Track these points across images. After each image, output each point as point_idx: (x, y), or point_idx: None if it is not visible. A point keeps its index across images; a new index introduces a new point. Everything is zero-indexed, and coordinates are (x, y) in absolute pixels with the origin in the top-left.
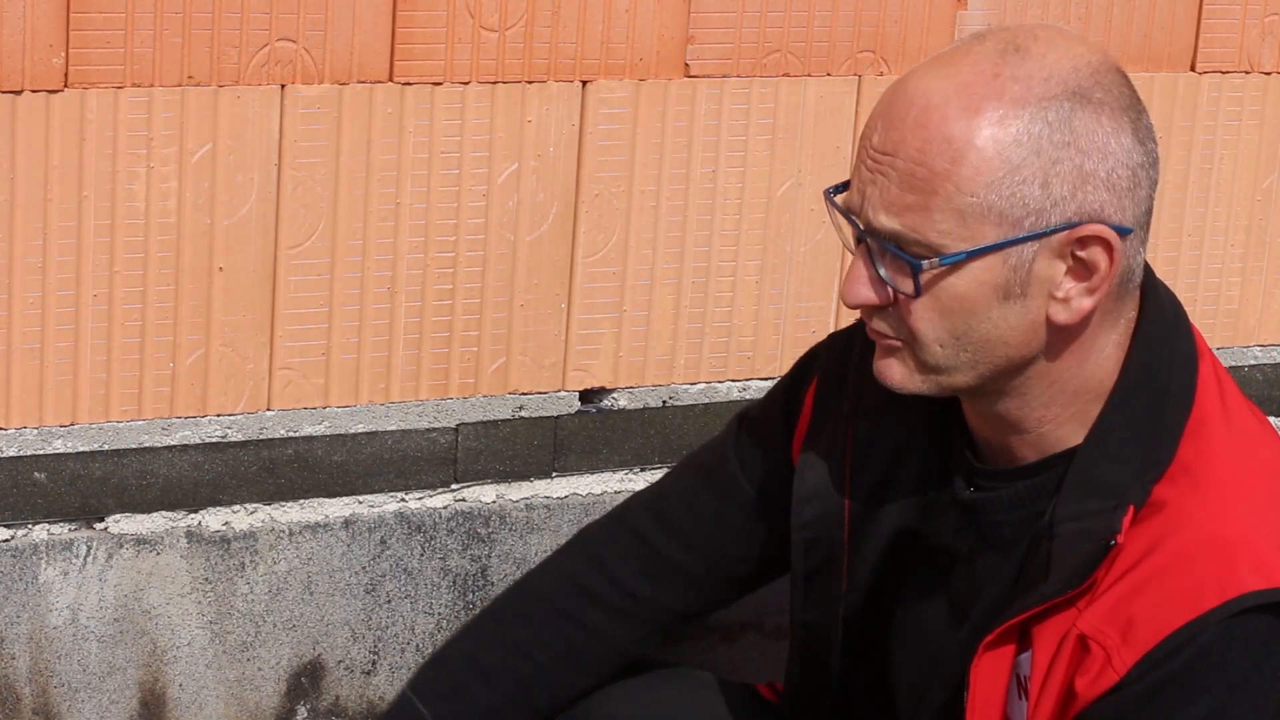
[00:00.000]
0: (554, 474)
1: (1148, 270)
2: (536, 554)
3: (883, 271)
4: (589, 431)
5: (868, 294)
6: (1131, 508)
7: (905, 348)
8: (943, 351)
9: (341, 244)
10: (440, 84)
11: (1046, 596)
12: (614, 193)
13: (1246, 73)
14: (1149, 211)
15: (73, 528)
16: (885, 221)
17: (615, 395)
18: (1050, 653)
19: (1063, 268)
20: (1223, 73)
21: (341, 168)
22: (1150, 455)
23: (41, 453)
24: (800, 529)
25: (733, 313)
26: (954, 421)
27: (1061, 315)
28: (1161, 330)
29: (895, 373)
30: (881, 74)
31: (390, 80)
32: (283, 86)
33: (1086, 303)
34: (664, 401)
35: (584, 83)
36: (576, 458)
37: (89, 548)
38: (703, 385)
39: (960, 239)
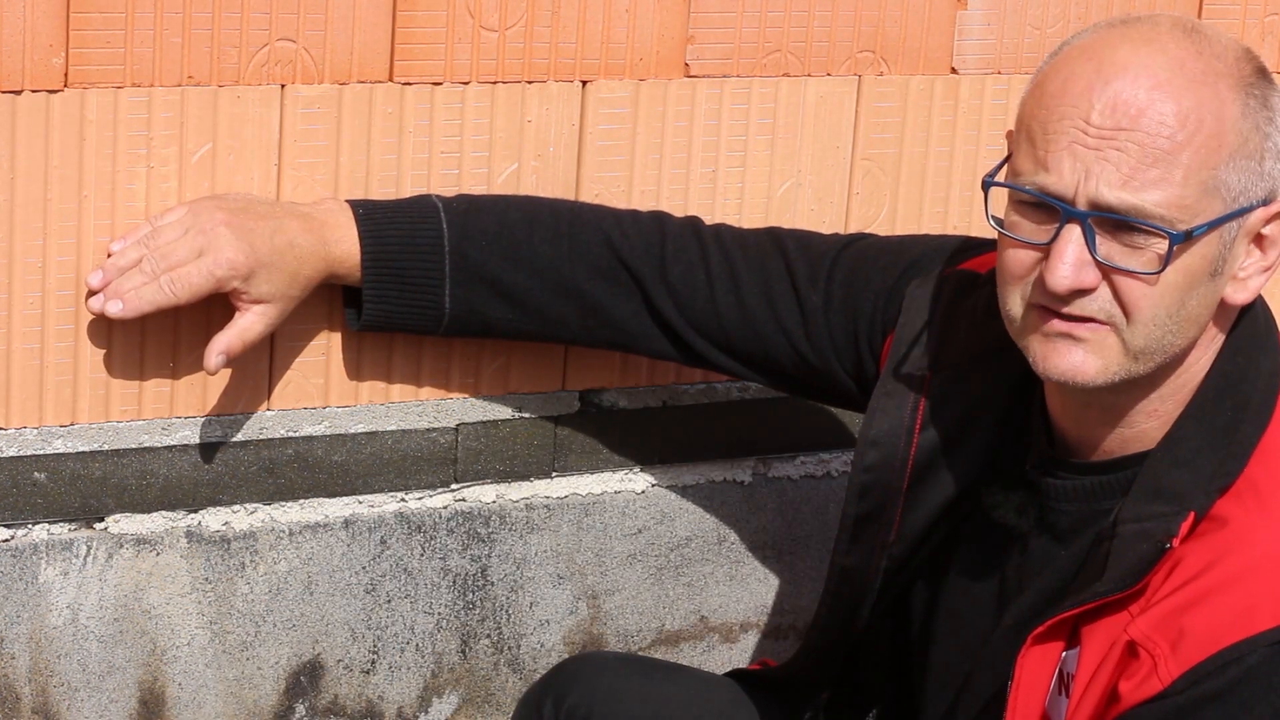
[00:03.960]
0: (554, 474)
1: None
2: (536, 554)
3: (1102, 251)
4: (589, 431)
5: (1086, 276)
6: (1192, 514)
7: (1109, 333)
8: (1155, 331)
9: None
10: (440, 84)
11: (1099, 594)
12: (614, 193)
13: None
14: None
15: (73, 528)
16: (1124, 196)
17: (615, 395)
18: (1099, 656)
19: (1245, 244)
20: None
21: (341, 168)
22: (1219, 466)
23: (41, 453)
24: (861, 472)
25: None
26: (1036, 399)
27: (1239, 295)
28: (1250, 343)
29: (1091, 365)
30: (881, 74)
31: (390, 80)
32: (283, 86)
33: (1259, 281)
34: (664, 402)
35: (584, 83)
36: (576, 458)
37: (89, 548)
38: (702, 385)
39: (1196, 213)
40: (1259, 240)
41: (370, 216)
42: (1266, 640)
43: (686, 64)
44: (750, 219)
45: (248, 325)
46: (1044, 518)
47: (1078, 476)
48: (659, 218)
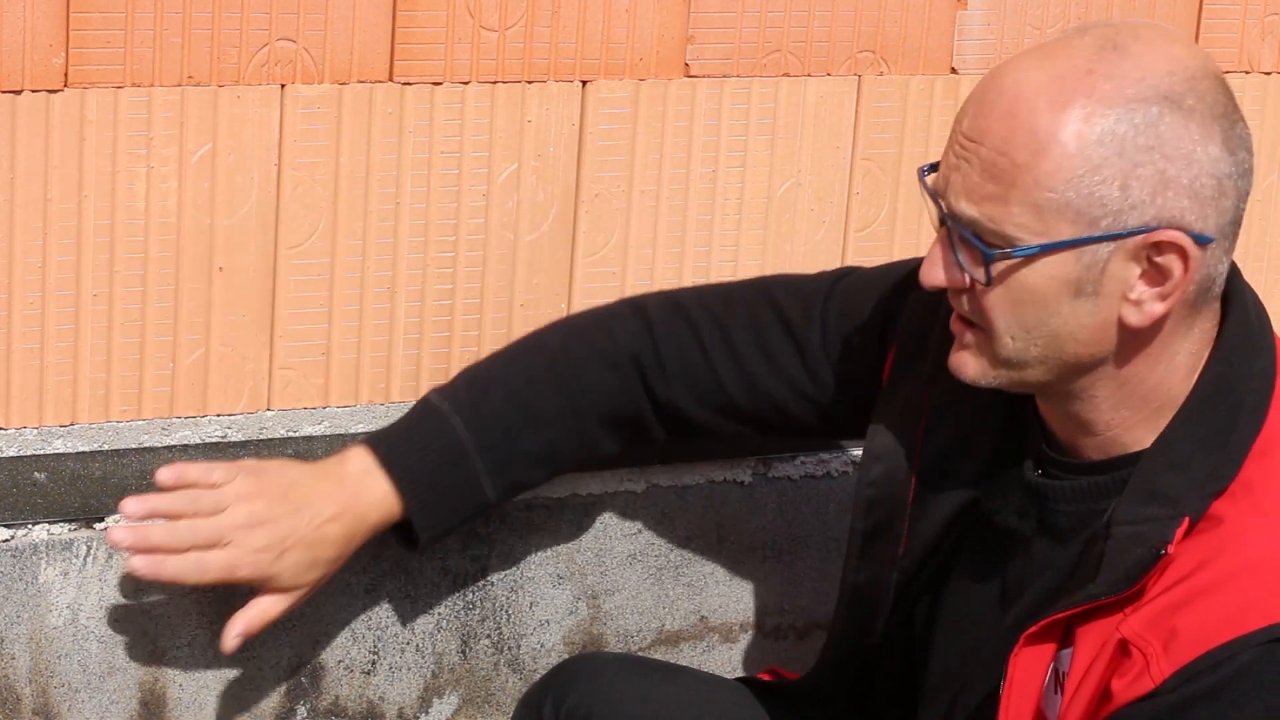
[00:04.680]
0: None
1: (1237, 279)
2: (536, 554)
3: (960, 257)
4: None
5: (941, 276)
6: (1187, 519)
7: (981, 340)
8: (1014, 344)
9: (341, 244)
10: (440, 84)
11: (1093, 596)
12: (614, 193)
13: (1246, 73)
14: (1236, 221)
15: (73, 528)
16: (965, 208)
17: None
18: (1091, 655)
19: (1137, 270)
20: (1223, 72)
21: (341, 168)
22: (1214, 469)
23: (41, 453)
24: (865, 486)
25: None
26: (1032, 404)
27: (1133, 318)
28: (1242, 343)
29: (970, 366)
30: (881, 74)
31: (390, 80)
32: (283, 86)
33: (1158, 308)
34: None
35: (584, 83)
36: None
37: (89, 548)
38: None
39: (1035, 233)
40: (1154, 269)
41: (398, 468)
42: (1258, 639)
43: (686, 64)
44: (750, 219)
45: (270, 606)
46: (1044, 519)
47: (1074, 477)
48: (641, 312)
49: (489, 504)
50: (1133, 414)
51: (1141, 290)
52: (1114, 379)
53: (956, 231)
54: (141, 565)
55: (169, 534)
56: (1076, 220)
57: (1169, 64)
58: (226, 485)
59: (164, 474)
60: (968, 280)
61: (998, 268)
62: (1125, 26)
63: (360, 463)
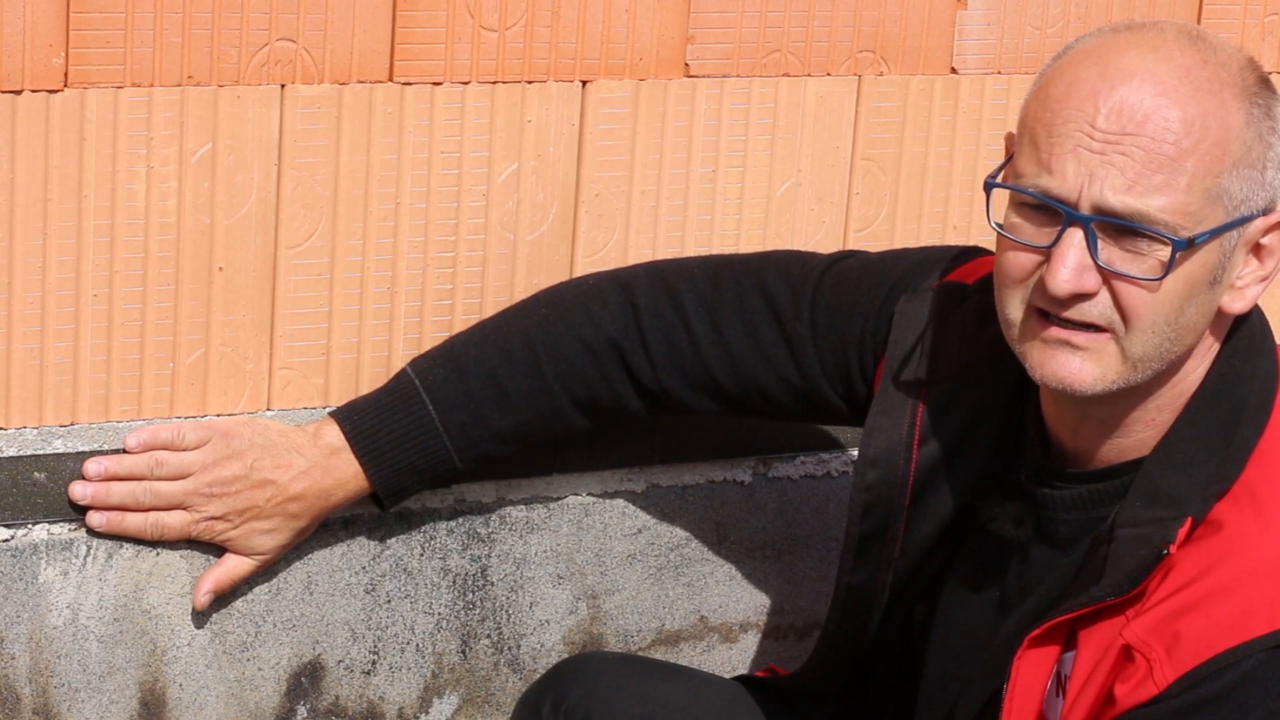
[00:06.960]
0: (554, 474)
1: None
2: (536, 554)
3: (1104, 256)
4: (589, 431)
5: (1080, 281)
6: (1190, 520)
7: (1108, 340)
8: (1153, 339)
9: (341, 244)
10: (440, 84)
11: (1096, 599)
12: (614, 192)
13: None
14: None
15: (73, 528)
16: (1129, 201)
17: None
18: (1094, 658)
19: (1244, 253)
20: None
21: (341, 168)
22: (1216, 470)
23: (41, 453)
24: (862, 491)
25: None
26: (1030, 408)
27: (1236, 304)
28: (1246, 347)
29: (1088, 373)
30: (881, 74)
31: (390, 80)
32: (283, 86)
33: (1256, 291)
34: None
35: (584, 83)
36: (576, 458)
37: (89, 548)
38: None
39: (1197, 220)
40: (1257, 250)
41: (367, 450)
42: (1262, 645)
43: (686, 64)
44: (750, 219)
45: (237, 566)
46: (1042, 528)
47: (1074, 486)
48: (626, 290)
49: (458, 472)
50: (1171, 415)
51: (1245, 274)
52: (1173, 373)
53: (1109, 229)
54: (99, 521)
55: (128, 495)
56: (1227, 205)
57: (1240, 53)
58: (194, 450)
59: (131, 439)
60: (1095, 283)
61: (1177, 259)
62: (1174, 22)
63: (331, 439)
